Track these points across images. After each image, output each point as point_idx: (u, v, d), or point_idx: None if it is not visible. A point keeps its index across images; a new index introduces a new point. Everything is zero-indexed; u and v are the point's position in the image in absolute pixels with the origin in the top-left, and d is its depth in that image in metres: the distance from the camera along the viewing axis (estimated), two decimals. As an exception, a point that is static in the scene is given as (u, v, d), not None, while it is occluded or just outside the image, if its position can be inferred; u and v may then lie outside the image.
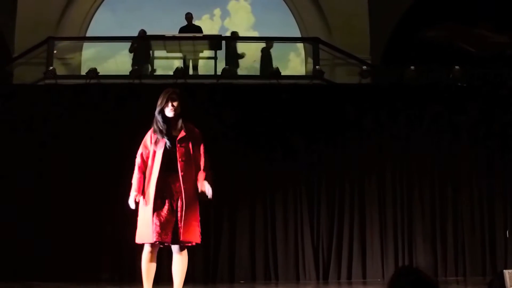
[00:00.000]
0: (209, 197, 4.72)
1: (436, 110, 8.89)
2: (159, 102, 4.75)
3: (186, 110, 4.76)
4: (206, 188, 4.70)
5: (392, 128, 8.84)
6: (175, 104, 4.69)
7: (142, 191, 4.71)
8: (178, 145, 4.67)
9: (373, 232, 8.51)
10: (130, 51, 10.40)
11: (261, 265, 8.37)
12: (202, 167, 4.77)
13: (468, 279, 8.29)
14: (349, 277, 8.39)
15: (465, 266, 8.51)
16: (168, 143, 4.65)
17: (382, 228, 8.54)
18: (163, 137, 4.68)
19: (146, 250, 4.74)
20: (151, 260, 4.75)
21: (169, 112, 4.69)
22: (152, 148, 4.70)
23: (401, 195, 8.68)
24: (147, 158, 4.72)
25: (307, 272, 8.39)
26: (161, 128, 4.69)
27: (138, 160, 4.78)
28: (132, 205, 4.72)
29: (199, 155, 4.79)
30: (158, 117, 4.71)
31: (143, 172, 4.73)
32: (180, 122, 4.73)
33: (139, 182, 4.71)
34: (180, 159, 4.64)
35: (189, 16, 10.85)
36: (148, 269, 4.75)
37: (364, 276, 8.38)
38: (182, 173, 4.63)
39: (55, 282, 7.54)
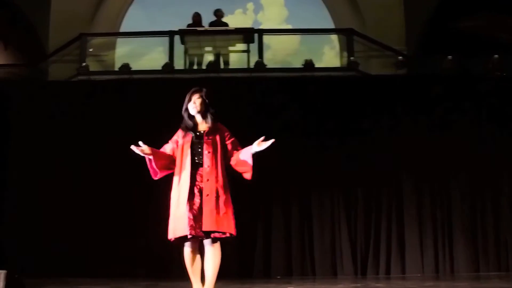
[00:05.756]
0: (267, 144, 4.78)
1: (475, 101, 8.68)
2: (185, 101, 4.83)
3: (214, 105, 4.73)
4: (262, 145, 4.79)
5: (429, 120, 8.65)
6: (197, 102, 4.76)
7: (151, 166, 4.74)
8: (206, 137, 4.70)
9: (412, 226, 8.35)
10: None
11: (298, 260, 8.29)
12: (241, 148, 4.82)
13: (511, 275, 8.07)
14: (387, 272, 8.26)
15: (508, 262, 8.30)
16: (194, 137, 4.69)
17: (420, 222, 8.39)
18: (188, 131, 4.73)
19: (186, 247, 4.70)
20: (193, 254, 4.71)
21: (192, 109, 4.77)
22: (180, 143, 4.73)
23: (439, 189, 8.52)
24: (177, 148, 4.75)
25: (344, 267, 8.27)
26: (187, 125, 4.77)
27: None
28: (135, 149, 4.70)
29: (231, 146, 4.80)
30: (184, 115, 4.81)
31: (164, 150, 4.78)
32: (205, 118, 4.79)
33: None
34: (206, 151, 4.65)
35: (219, 14, 10.78)
36: (192, 263, 4.72)
37: (403, 271, 8.23)
38: (207, 166, 4.63)
39: (89, 277, 7.53)
